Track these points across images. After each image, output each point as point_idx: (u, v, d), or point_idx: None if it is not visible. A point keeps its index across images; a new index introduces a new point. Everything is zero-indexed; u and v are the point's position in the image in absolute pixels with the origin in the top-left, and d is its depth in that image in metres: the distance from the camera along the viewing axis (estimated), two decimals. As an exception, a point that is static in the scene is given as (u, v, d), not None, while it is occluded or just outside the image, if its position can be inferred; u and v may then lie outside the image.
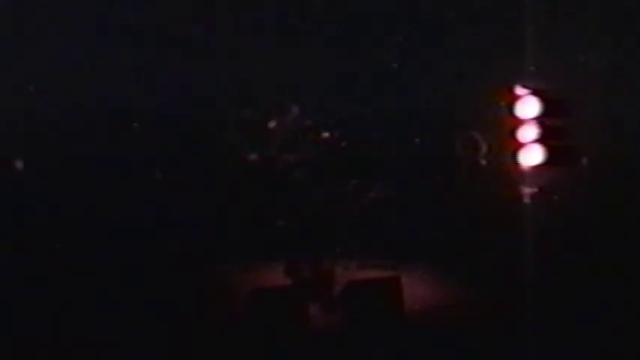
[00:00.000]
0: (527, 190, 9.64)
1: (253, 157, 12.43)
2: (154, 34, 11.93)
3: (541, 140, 9.08)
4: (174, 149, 12.13)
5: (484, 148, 12.10)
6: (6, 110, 11.17)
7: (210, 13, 12.13)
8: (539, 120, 9.10)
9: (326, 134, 12.62)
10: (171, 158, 12.16)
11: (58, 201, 10.51)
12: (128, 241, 10.07)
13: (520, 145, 9.12)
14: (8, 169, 11.23)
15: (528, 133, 9.11)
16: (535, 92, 9.16)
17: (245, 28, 12.38)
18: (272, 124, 12.60)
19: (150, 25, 11.93)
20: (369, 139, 12.80)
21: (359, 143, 12.77)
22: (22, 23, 11.54)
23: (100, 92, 11.66)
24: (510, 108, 9.17)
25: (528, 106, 9.14)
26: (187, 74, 12.04)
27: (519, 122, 9.15)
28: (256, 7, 12.42)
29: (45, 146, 11.29)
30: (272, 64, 12.36)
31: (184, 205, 11.47)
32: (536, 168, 9.20)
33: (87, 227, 10.31)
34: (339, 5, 12.52)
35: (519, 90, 9.19)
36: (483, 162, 12.09)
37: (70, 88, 11.54)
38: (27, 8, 11.52)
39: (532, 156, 9.10)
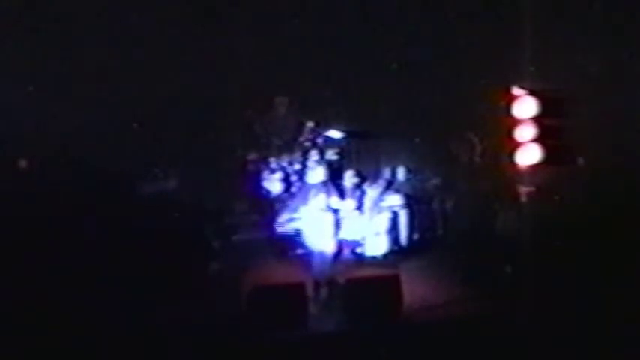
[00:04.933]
0: (524, 190, 9.67)
1: (253, 157, 12.51)
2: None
3: (538, 140, 9.12)
4: (175, 149, 12.20)
5: (479, 148, 12.18)
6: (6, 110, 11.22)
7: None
8: (537, 120, 9.13)
9: (325, 134, 12.68)
10: (172, 158, 12.22)
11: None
12: (127, 241, 10.10)
13: (517, 145, 9.15)
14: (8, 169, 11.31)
15: (525, 132, 9.14)
16: (532, 92, 9.19)
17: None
18: (270, 124, 12.69)
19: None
20: (369, 139, 12.88)
21: (358, 143, 12.84)
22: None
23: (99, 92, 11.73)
24: (508, 108, 9.20)
25: (525, 106, 9.17)
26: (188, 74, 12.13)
27: (516, 122, 9.18)
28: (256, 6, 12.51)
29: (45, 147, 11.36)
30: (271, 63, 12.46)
31: (185, 204, 11.53)
32: (534, 168, 9.23)
33: (88, 227, 10.34)
34: (340, 5, 12.56)
35: (516, 90, 9.22)
36: (479, 161, 12.17)
37: (67, 88, 11.60)
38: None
39: (529, 156, 9.13)
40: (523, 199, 9.77)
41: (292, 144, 12.58)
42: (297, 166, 12.29)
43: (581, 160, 10.27)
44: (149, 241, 10.14)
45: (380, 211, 11.77)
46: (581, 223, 10.65)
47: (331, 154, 12.47)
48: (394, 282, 10.00)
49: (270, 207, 12.06)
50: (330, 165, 12.21)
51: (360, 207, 11.76)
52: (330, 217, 11.22)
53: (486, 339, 9.14)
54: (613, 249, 10.34)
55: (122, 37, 11.81)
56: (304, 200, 11.60)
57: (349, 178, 11.82)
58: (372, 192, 11.92)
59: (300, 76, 12.49)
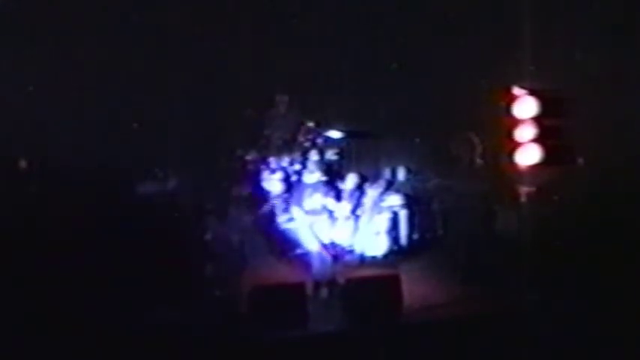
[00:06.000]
0: (524, 190, 9.69)
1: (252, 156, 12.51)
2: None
3: (538, 140, 9.13)
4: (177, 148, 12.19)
5: (479, 149, 12.18)
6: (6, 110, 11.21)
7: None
8: (537, 120, 9.15)
9: (325, 134, 12.68)
10: (172, 157, 12.22)
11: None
12: (126, 240, 10.09)
13: (517, 145, 9.17)
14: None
15: (525, 132, 9.16)
16: (532, 92, 9.20)
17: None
18: (270, 124, 12.69)
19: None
20: (368, 139, 12.88)
21: (358, 143, 12.84)
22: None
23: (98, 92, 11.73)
24: (508, 108, 9.22)
25: (525, 106, 9.19)
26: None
27: (516, 122, 9.19)
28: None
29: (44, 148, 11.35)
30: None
31: (185, 204, 11.53)
32: (534, 168, 9.24)
33: (87, 227, 10.34)
34: (339, 5, 12.56)
35: (516, 90, 9.23)
36: (479, 161, 12.17)
37: (67, 88, 11.59)
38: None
39: (529, 156, 9.14)
40: (523, 199, 9.78)
41: (292, 143, 12.58)
42: (296, 166, 12.29)
43: (581, 160, 10.28)
44: (148, 241, 10.14)
45: (380, 211, 11.77)
46: (581, 223, 10.65)
47: (331, 154, 12.47)
48: (394, 282, 10.00)
49: (270, 207, 12.05)
50: (329, 165, 12.23)
51: (359, 207, 11.76)
52: (329, 218, 11.22)
53: (486, 339, 9.14)
54: (613, 249, 10.34)
55: (122, 37, 11.81)
56: (304, 200, 11.61)
57: (349, 179, 11.83)
58: (372, 192, 11.92)
59: (300, 75, 12.49)
